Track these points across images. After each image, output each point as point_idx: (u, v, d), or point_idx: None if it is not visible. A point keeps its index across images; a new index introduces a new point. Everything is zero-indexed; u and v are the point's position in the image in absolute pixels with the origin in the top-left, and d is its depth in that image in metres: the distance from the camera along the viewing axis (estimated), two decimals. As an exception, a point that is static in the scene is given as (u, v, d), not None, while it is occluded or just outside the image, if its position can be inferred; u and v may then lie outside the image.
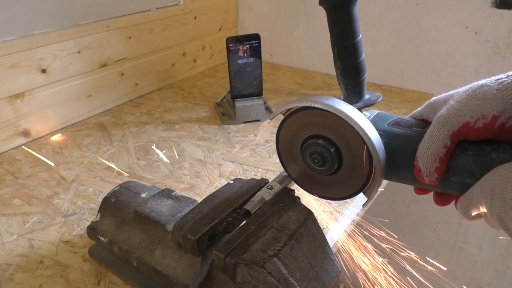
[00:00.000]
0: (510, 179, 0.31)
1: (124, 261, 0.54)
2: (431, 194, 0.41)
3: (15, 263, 0.59)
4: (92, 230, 0.57)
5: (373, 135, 0.39)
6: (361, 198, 0.44)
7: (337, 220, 0.65)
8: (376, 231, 0.58)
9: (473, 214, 0.35)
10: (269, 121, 0.48)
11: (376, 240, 0.55)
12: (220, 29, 1.41)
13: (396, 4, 1.15)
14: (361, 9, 1.20)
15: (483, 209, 0.34)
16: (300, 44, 1.37)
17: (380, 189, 0.43)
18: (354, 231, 0.58)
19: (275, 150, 0.49)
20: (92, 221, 0.58)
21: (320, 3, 0.44)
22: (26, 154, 0.87)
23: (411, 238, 0.61)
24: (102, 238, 0.55)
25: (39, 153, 0.88)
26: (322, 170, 0.44)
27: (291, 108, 0.44)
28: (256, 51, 0.98)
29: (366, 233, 0.56)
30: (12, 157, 0.86)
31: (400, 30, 1.17)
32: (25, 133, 0.91)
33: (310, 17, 1.31)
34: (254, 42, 0.97)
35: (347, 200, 0.71)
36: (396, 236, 0.59)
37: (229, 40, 0.96)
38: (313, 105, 0.41)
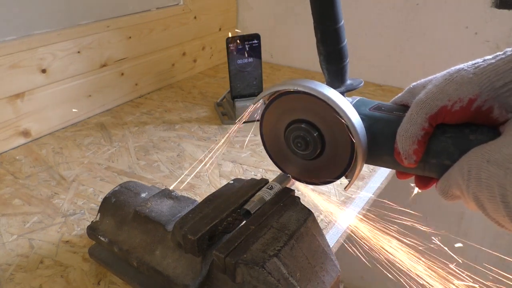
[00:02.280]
0: (485, 159, 0.32)
1: (124, 261, 0.54)
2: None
3: (15, 263, 0.59)
4: (92, 230, 0.57)
5: (355, 118, 0.40)
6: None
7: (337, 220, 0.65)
8: (375, 232, 0.57)
9: (451, 195, 0.36)
10: (253, 106, 0.48)
11: (376, 239, 0.55)
12: (220, 29, 1.41)
13: (396, 4, 1.15)
14: (361, 9, 1.20)
15: (461, 190, 0.34)
16: (300, 44, 1.37)
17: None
18: (354, 231, 0.58)
19: (260, 137, 0.49)
20: (92, 221, 0.58)
21: None
22: (26, 154, 0.87)
23: (411, 238, 0.61)
24: (102, 238, 0.55)
25: (39, 153, 0.88)
26: (305, 154, 0.45)
27: (274, 93, 0.44)
28: (256, 51, 0.98)
29: (367, 233, 0.56)
30: (12, 157, 0.86)
31: (400, 30, 1.17)
32: (25, 133, 0.91)
33: (310, 17, 1.30)
34: (254, 42, 0.97)
35: (347, 199, 0.71)
36: (396, 236, 0.59)
37: (229, 40, 0.96)
38: (295, 88, 0.42)
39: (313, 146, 0.43)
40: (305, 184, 0.49)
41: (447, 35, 1.10)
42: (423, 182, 0.41)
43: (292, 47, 1.40)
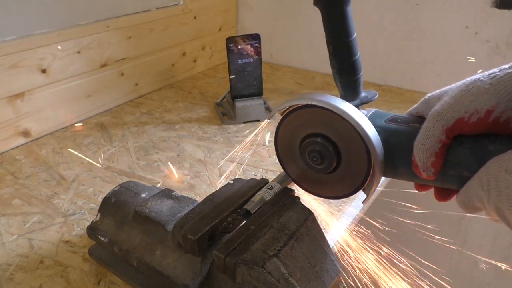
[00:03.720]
0: (503, 169, 0.31)
1: (124, 261, 0.54)
2: (431, 193, 0.42)
3: (15, 263, 0.59)
4: (92, 230, 0.57)
5: (371, 131, 0.40)
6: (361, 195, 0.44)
7: (337, 220, 0.65)
8: (375, 230, 0.58)
9: (472, 207, 0.35)
10: (268, 120, 0.48)
11: (375, 240, 0.55)
12: (220, 29, 1.41)
13: (396, 4, 1.15)
14: (361, 9, 1.20)
15: (482, 202, 0.34)
16: (300, 44, 1.37)
17: (380, 188, 0.43)
18: (354, 230, 0.58)
19: (275, 150, 0.49)
20: (92, 221, 0.58)
21: (315, 3, 0.45)
22: (26, 154, 0.87)
23: (411, 238, 0.61)
24: (102, 238, 0.55)
25: (39, 153, 0.88)
26: (321, 169, 0.44)
27: (289, 107, 0.44)
28: (256, 51, 0.98)
29: (366, 233, 0.56)
30: (12, 157, 0.86)
31: (400, 30, 1.17)
32: (25, 133, 0.91)
33: (310, 17, 1.31)
34: (254, 42, 0.97)
35: (347, 198, 0.71)
36: (396, 236, 0.59)
37: (229, 40, 0.96)
38: (310, 102, 0.42)
39: (329, 160, 0.43)
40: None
41: (447, 35, 1.10)
42: (443, 194, 0.40)
43: (292, 47, 1.40)
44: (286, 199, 0.48)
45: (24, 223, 0.67)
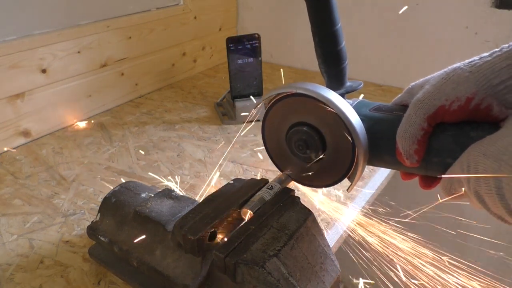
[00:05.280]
0: (481, 153, 0.32)
1: (124, 261, 0.54)
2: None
3: (15, 263, 0.59)
4: (92, 230, 0.57)
5: (355, 119, 0.40)
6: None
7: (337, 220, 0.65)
8: (375, 231, 0.57)
9: (455, 193, 0.36)
10: (253, 109, 0.48)
11: (375, 238, 0.55)
12: (220, 29, 1.41)
13: (396, 4, 1.15)
14: (361, 9, 1.20)
15: (463, 187, 0.34)
16: (300, 44, 1.37)
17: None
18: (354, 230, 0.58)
19: (262, 142, 0.50)
20: (92, 221, 0.58)
21: None
22: (26, 154, 0.87)
23: (411, 238, 0.61)
24: (102, 238, 0.55)
25: (39, 153, 0.88)
26: (306, 157, 0.45)
27: (275, 96, 0.45)
28: (256, 51, 0.98)
29: (366, 233, 0.56)
30: (12, 157, 0.86)
31: (400, 30, 1.17)
32: (25, 133, 0.91)
33: (310, 17, 1.31)
34: (254, 42, 0.97)
35: (346, 200, 0.71)
36: (396, 236, 0.59)
37: (229, 40, 0.96)
38: (295, 91, 0.42)
39: (314, 148, 0.43)
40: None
41: (447, 35, 1.10)
42: (427, 182, 0.41)
43: (292, 47, 1.40)
44: (286, 199, 0.48)
45: (24, 223, 0.67)
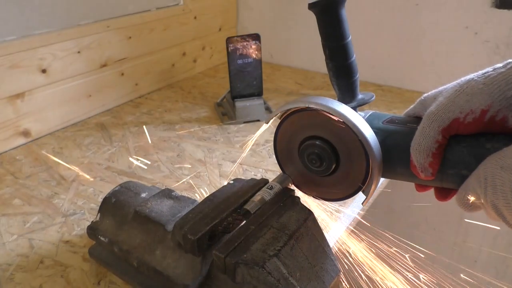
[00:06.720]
0: (499, 166, 0.31)
1: (124, 261, 0.54)
2: (431, 194, 0.42)
3: (15, 263, 0.59)
4: (92, 230, 0.57)
5: (368, 132, 0.40)
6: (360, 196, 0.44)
7: (337, 220, 0.65)
8: (375, 231, 0.58)
9: (471, 205, 0.35)
10: (265, 124, 0.48)
11: (375, 239, 0.55)
12: (220, 29, 1.41)
13: (396, 4, 1.15)
14: (361, 9, 1.20)
15: (480, 199, 0.34)
16: (300, 44, 1.37)
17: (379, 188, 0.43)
18: (354, 230, 0.58)
19: (274, 155, 0.49)
20: (92, 221, 0.58)
21: (309, 8, 0.45)
22: (26, 154, 0.87)
23: (411, 238, 0.61)
24: (102, 238, 0.55)
25: (39, 153, 0.88)
26: (320, 171, 0.44)
27: (287, 111, 0.44)
28: (256, 51, 0.98)
29: (366, 233, 0.56)
30: (12, 157, 0.86)
31: (400, 30, 1.17)
32: (25, 133, 0.91)
33: (310, 17, 1.30)
34: (254, 42, 0.97)
35: (347, 200, 0.71)
36: (395, 236, 0.59)
37: (229, 40, 0.96)
38: (308, 106, 0.42)
39: (328, 162, 0.43)
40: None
41: (447, 35, 1.10)
42: (443, 194, 0.40)
43: (292, 47, 1.40)
44: (286, 199, 0.48)
45: (24, 223, 0.67)
